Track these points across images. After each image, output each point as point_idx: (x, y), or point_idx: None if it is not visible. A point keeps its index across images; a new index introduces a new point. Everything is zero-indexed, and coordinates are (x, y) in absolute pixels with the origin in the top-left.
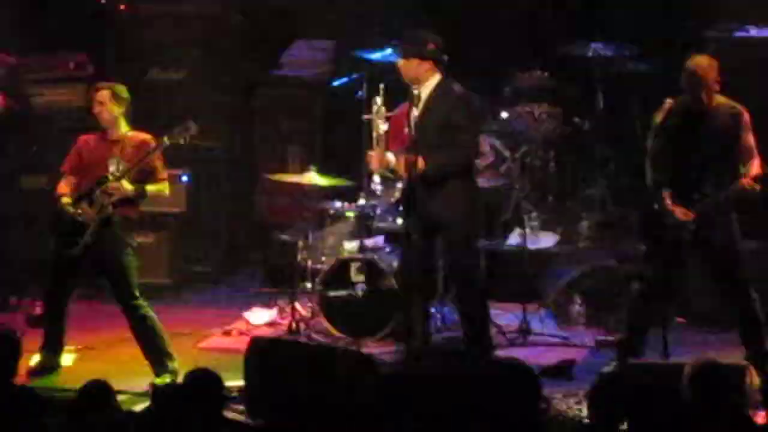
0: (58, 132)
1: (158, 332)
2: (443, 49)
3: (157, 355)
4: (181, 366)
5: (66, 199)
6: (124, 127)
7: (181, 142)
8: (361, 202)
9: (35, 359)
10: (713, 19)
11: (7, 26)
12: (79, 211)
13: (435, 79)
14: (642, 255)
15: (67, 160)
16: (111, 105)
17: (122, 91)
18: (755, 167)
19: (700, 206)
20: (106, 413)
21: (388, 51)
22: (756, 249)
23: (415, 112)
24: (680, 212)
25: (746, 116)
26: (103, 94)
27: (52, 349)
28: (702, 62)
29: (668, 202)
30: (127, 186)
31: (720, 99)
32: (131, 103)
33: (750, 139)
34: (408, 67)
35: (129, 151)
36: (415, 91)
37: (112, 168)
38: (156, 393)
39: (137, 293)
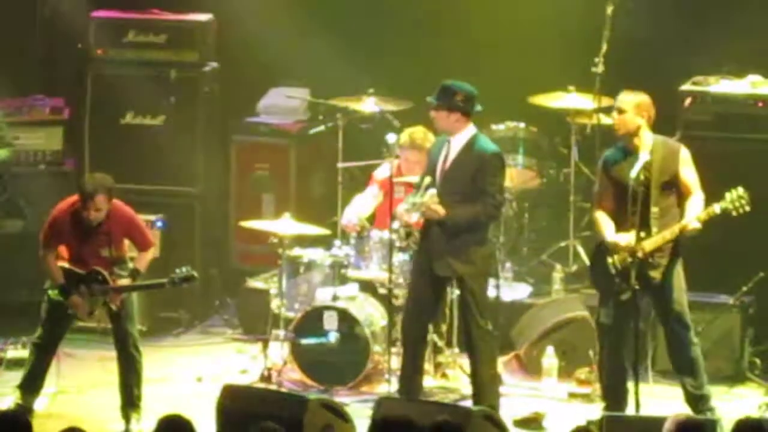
0: (33, 176)
1: (141, 378)
2: (474, 100)
3: (136, 398)
4: (154, 412)
5: (77, 299)
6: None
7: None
8: (335, 250)
9: (8, 400)
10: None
11: None
12: (91, 312)
13: (467, 131)
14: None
15: (51, 240)
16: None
17: None
18: (694, 205)
19: (646, 244)
20: None
21: (366, 100)
22: None
23: (444, 161)
24: (623, 240)
25: (684, 151)
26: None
27: (31, 388)
28: (625, 98)
29: (610, 233)
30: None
31: (657, 137)
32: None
33: (689, 174)
34: (438, 117)
35: (117, 231)
36: (450, 140)
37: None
38: None
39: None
